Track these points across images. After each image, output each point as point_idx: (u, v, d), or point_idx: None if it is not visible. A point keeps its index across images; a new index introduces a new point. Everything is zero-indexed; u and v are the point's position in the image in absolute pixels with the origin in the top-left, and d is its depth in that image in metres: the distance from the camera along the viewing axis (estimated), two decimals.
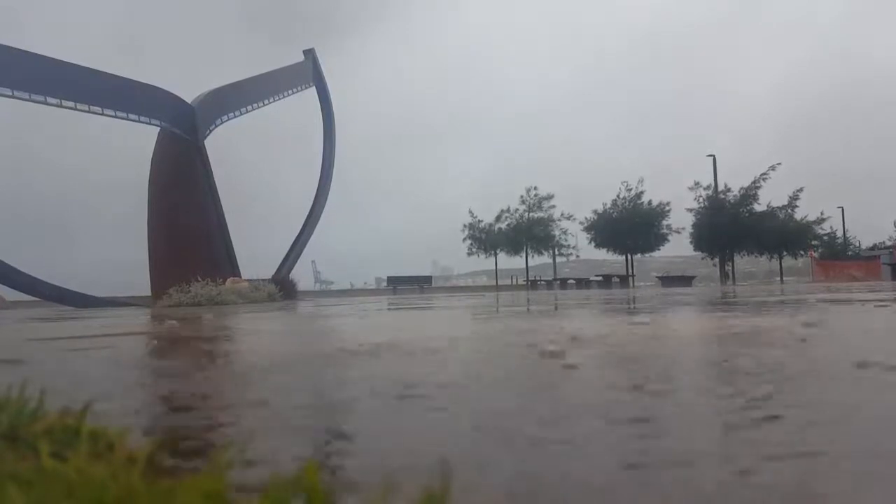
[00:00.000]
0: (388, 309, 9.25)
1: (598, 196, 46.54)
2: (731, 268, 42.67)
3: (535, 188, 43.22)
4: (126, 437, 0.96)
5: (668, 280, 37.03)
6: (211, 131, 20.43)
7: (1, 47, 15.61)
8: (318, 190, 25.35)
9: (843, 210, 47.89)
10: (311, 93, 26.03)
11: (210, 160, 20.26)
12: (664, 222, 41.78)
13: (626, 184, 42.70)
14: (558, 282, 37.69)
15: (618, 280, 37.34)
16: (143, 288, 19.39)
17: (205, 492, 0.61)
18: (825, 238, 42.89)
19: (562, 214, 42.75)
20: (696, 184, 42.02)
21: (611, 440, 1.19)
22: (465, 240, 43.48)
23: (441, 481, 0.58)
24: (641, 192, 42.26)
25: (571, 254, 43.65)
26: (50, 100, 16.36)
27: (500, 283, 44.99)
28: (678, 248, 44.74)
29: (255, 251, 26.61)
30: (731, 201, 41.60)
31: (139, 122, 18.46)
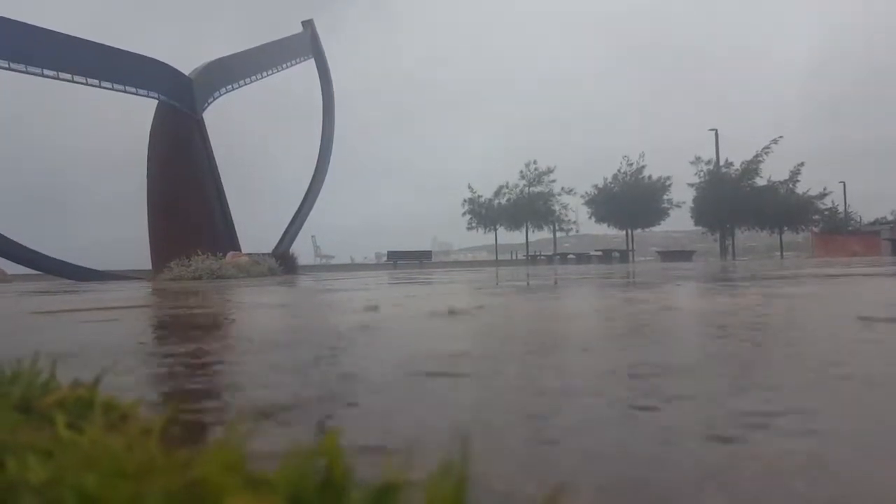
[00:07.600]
0: (399, 283, 9.26)
1: (601, 171, 46.34)
2: (731, 243, 42.71)
3: (535, 162, 43.12)
4: (139, 408, 0.96)
5: (667, 255, 37.12)
6: (209, 104, 20.27)
7: None
8: (317, 164, 25.25)
9: (844, 185, 47.77)
10: (311, 65, 25.79)
11: (209, 133, 20.14)
12: (665, 196, 41.75)
13: (626, 158, 42.59)
14: (558, 257, 37.77)
15: (617, 255, 37.42)
16: (144, 262, 19.43)
17: (224, 462, 0.61)
18: (826, 213, 42.76)
19: (562, 189, 42.69)
20: (698, 158, 41.90)
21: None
22: (464, 214, 43.48)
23: (461, 450, 0.58)
24: (642, 167, 42.19)
25: (572, 229, 43.67)
26: (47, 72, 16.20)
27: (499, 258, 45.06)
28: (679, 222, 44.82)
29: (256, 225, 26.64)
30: (733, 175, 41.48)
31: (136, 94, 18.32)
